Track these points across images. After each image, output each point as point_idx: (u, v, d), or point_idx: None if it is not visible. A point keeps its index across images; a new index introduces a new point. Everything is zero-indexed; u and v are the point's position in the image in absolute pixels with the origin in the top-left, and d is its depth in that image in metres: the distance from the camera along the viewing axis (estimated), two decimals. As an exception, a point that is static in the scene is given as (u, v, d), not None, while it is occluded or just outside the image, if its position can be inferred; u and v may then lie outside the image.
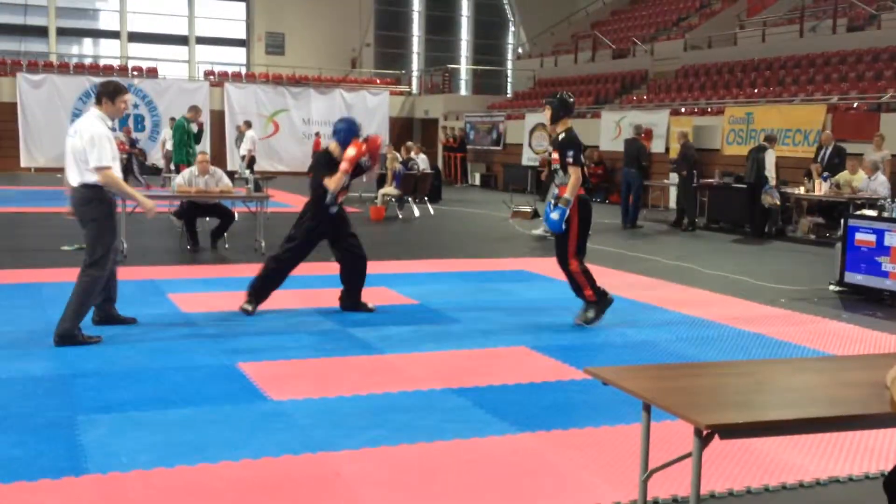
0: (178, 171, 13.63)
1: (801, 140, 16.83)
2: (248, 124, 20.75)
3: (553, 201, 7.27)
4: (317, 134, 27.85)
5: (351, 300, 7.88)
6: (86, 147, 6.32)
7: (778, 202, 14.35)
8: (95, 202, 6.43)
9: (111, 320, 6.94)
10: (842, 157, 14.64)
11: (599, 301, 7.34)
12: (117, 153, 6.55)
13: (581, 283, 7.27)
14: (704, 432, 2.89)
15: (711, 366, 4.10)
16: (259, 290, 7.65)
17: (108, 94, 6.53)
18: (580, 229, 7.22)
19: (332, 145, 7.74)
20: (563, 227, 7.13)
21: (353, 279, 7.86)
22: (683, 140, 16.36)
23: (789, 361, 4.55)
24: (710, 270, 10.76)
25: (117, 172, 6.50)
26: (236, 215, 11.78)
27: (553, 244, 7.55)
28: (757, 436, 3.12)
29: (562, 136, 7.23)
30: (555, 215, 7.20)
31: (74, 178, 6.44)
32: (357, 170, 7.69)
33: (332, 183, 7.46)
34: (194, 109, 14.61)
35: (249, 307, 7.56)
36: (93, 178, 6.37)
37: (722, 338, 7.21)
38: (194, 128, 14.77)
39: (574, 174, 7.04)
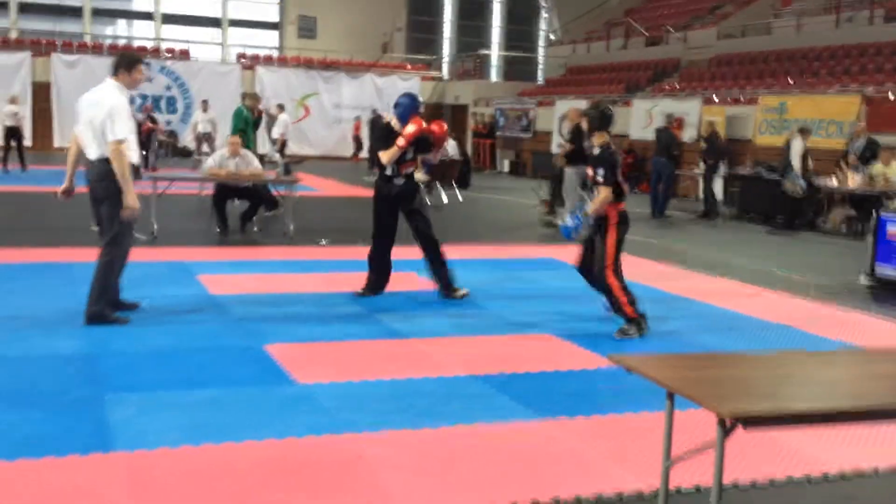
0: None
1: (834, 131, 16.63)
2: (281, 108, 20.82)
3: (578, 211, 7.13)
4: (356, 118, 27.80)
5: (439, 285, 7.93)
6: (106, 118, 6.15)
7: (800, 190, 14.18)
8: (112, 178, 6.23)
9: (114, 306, 6.67)
10: (874, 149, 14.45)
11: (640, 320, 6.80)
12: (134, 126, 6.42)
13: (621, 300, 6.74)
14: (728, 422, 2.89)
15: (737, 356, 4.08)
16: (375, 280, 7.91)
17: (126, 64, 6.37)
18: (618, 244, 6.81)
19: (393, 120, 7.76)
20: (572, 236, 7.01)
21: (427, 261, 7.91)
22: (711, 130, 16.31)
23: (816, 354, 4.50)
24: (739, 261, 10.68)
25: (132, 147, 6.33)
26: (279, 201, 11.86)
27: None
28: (781, 426, 3.11)
29: (596, 151, 6.89)
30: (568, 221, 7.08)
31: (93, 151, 6.29)
32: (422, 146, 7.72)
33: (385, 156, 7.56)
34: (253, 97, 14.49)
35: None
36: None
37: (749, 329, 7.17)
38: (253, 115, 14.68)
39: (604, 192, 6.67)
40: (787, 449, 4.43)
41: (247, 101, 13.95)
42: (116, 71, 6.37)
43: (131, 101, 24.04)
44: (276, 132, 20.12)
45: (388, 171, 7.66)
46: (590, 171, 6.90)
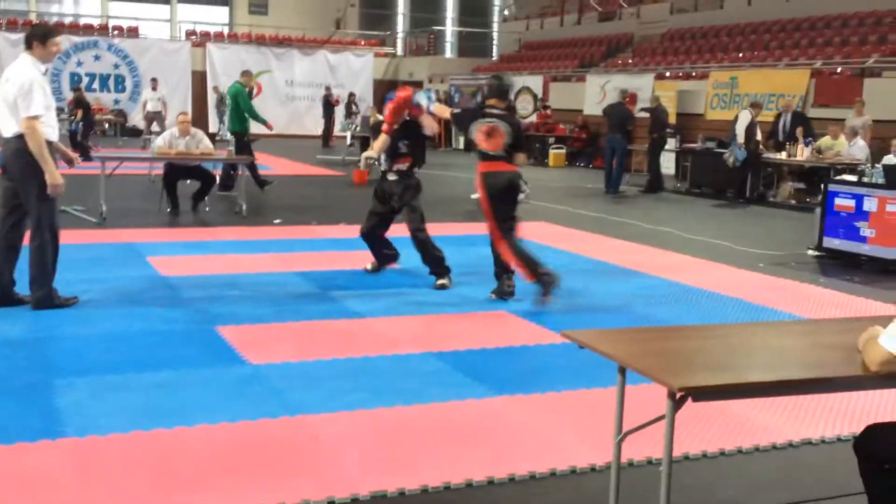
0: (235, 138, 13.50)
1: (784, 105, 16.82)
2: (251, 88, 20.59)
3: None
4: (327, 88, 27.32)
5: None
6: (17, 95, 5.89)
7: (736, 162, 14.36)
8: (30, 156, 5.94)
9: (7, 298, 6.30)
10: (804, 123, 14.79)
11: (542, 280, 6.85)
12: (51, 103, 6.12)
13: (513, 263, 6.96)
14: (678, 395, 2.91)
15: (687, 329, 4.12)
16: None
17: (39, 36, 6.12)
18: (492, 206, 6.97)
19: (381, 115, 8.03)
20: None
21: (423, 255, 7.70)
22: (656, 104, 16.44)
23: (765, 325, 4.57)
24: (690, 235, 10.80)
25: (50, 125, 6.05)
26: (217, 178, 11.71)
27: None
28: (729, 398, 3.14)
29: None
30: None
31: (9, 128, 6.00)
32: (413, 137, 7.59)
33: (373, 149, 7.85)
34: (247, 74, 14.43)
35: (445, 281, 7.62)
36: None
37: (700, 302, 7.26)
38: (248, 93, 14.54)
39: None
40: (737, 420, 4.50)
41: (241, 78, 13.93)
42: (30, 44, 6.11)
43: (77, 79, 23.41)
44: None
45: (382, 167, 7.64)
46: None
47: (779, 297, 7.50)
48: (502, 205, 6.98)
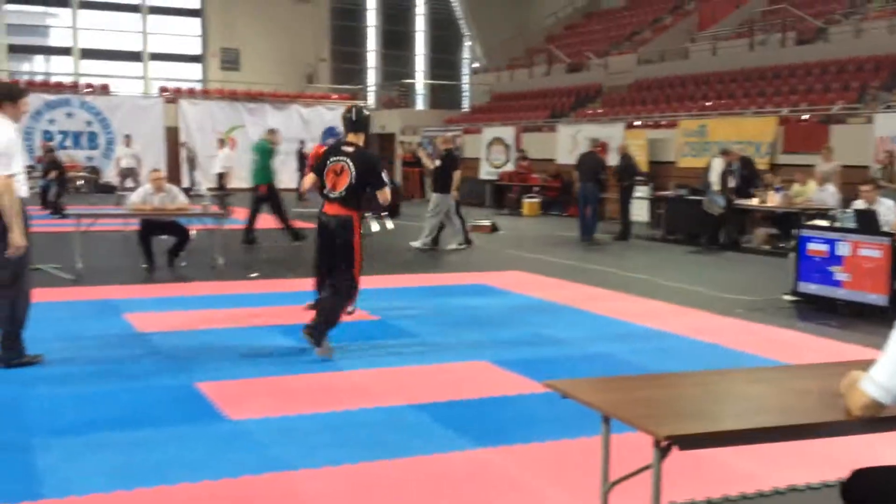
0: (257, 190, 14.25)
1: (753, 152, 17.08)
2: (222, 142, 20.89)
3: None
4: (301, 142, 27.61)
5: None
6: None
7: (718, 208, 14.51)
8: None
9: None
10: (750, 168, 15.16)
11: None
12: (23, 161, 6.11)
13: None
14: (663, 443, 2.92)
15: (669, 377, 4.13)
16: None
17: (9, 96, 6.14)
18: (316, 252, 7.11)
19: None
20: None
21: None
22: (623, 152, 16.62)
23: (745, 371, 4.59)
24: (666, 282, 10.87)
25: (21, 182, 6.04)
26: (192, 233, 11.67)
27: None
28: (717, 445, 3.15)
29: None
30: None
31: None
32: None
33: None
34: (274, 132, 15.18)
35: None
36: None
37: (679, 349, 7.28)
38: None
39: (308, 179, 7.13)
40: (722, 467, 4.50)
41: (267, 135, 14.91)
42: (0, 104, 6.10)
43: (49, 137, 23.42)
44: (218, 166, 20.06)
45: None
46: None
47: (757, 342, 7.55)
48: (321, 253, 6.92)
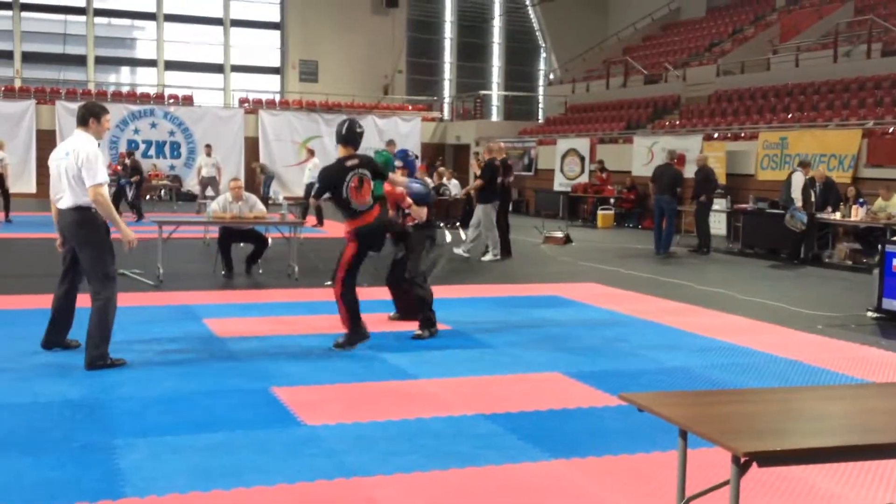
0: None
1: (836, 165, 16.69)
2: (312, 153, 21.17)
3: None
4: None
5: None
6: (82, 166, 6.26)
7: (801, 225, 14.18)
8: (91, 225, 6.40)
9: (58, 344, 6.87)
10: (833, 190, 14.88)
11: (353, 334, 7.28)
12: (105, 174, 6.46)
13: (340, 309, 7.29)
14: (742, 460, 2.87)
15: (748, 392, 4.06)
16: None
17: (95, 114, 6.48)
18: (355, 255, 7.24)
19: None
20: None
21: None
22: (702, 164, 16.35)
23: (826, 388, 4.49)
24: (745, 296, 10.67)
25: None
26: (270, 241, 11.87)
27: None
28: (797, 463, 3.09)
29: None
30: None
31: (68, 200, 6.37)
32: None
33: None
34: (393, 143, 15.52)
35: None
36: (87, 200, 6.33)
37: (758, 364, 7.14)
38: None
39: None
40: (800, 485, 4.39)
41: (389, 147, 14.95)
42: (86, 121, 6.46)
43: (135, 145, 24.20)
44: (307, 176, 20.35)
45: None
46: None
47: (838, 359, 7.36)
48: (365, 252, 7.29)
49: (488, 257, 13.97)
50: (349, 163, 7.14)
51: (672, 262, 14.65)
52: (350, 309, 7.21)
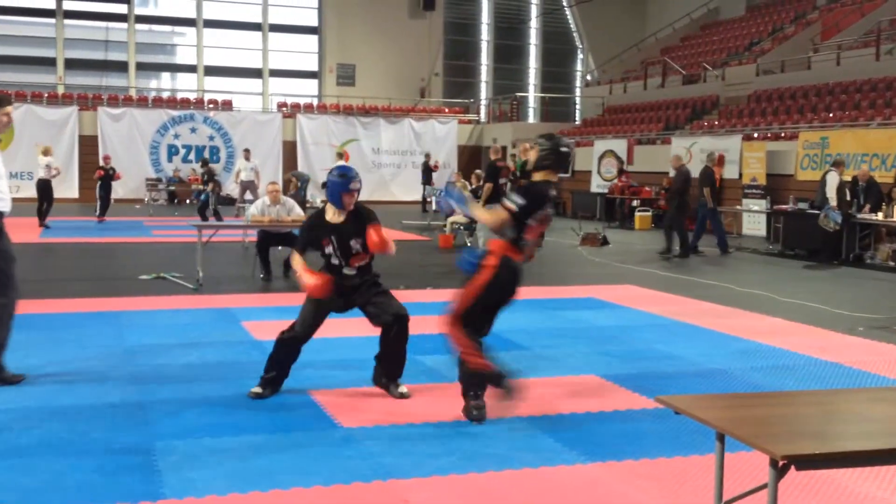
0: None
1: (878, 165, 16.46)
2: (340, 157, 21.46)
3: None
4: (426, 155, 28.29)
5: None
6: None
7: (834, 225, 13.97)
8: None
9: None
10: (876, 189, 14.82)
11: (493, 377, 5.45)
12: (2, 172, 5.90)
13: (460, 350, 5.48)
14: (780, 463, 2.85)
15: (787, 395, 4.02)
16: None
17: None
18: (485, 292, 5.45)
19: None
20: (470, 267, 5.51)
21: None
22: (679, 165, 15.62)
23: (867, 391, 4.43)
24: (784, 298, 10.55)
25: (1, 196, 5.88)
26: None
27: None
28: (835, 467, 3.05)
29: (528, 181, 5.68)
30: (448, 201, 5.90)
31: None
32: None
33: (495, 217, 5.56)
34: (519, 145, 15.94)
35: None
36: None
37: (797, 367, 7.06)
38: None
39: (495, 216, 5.42)
40: (840, 489, 4.34)
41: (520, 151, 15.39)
42: None
43: (174, 150, 24.51)
44: None
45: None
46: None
47: (880, 361, 7.25)
48: (499, 302, 5.65)
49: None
50: (552, 192, 5.59)
51: (711, 263, 14.51)
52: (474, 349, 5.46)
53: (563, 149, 5.61)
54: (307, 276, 5.85)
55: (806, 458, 2.84)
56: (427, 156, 28.01)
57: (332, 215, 6.11)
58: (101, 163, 22.02)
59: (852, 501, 4.22)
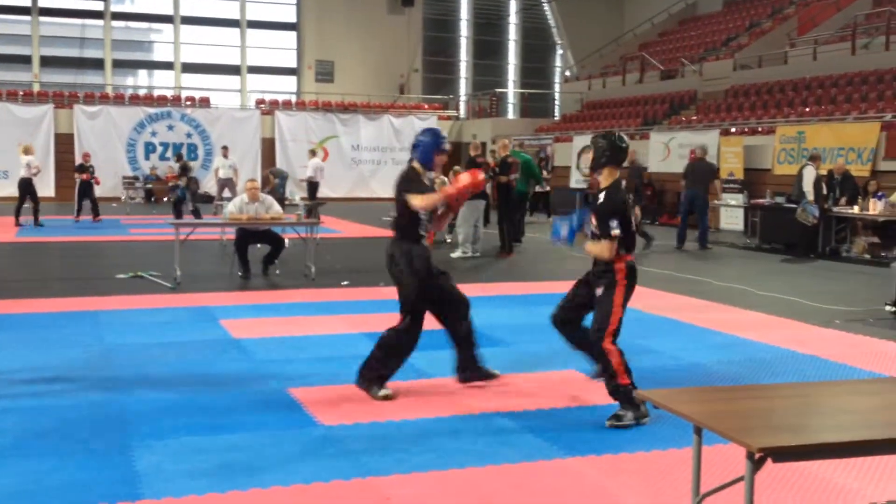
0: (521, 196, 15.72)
1: (854, 158, 16.57)
2: (313, 153, 21.48)
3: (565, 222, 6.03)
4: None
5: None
6: None
7: (812, 219, 14.08)
8: None
9: None
10: (851, 183, 15.01)
11: (636, 403, 5.31)
12: None
13: (619, 372, 5.39)
14: (757, 455, 2.87)
15: (764, 388, 4.04)
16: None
17: None
18: (625, 303, 5.57)
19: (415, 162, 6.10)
20: (564, 236, 5.89)
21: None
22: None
23: (843, 383, 4.47)
24: (762, 292, 10.61)
25: None
26: (287, 241, 11.90)
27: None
28: (810, 459, 3.07)
29: (602, 196, 5.56)
30: (564, 229, 5.95)
31: None
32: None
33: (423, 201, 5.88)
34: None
35: None
36: None
37: (775, 360, 7.11)
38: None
39: (609, 247, 5.45)
40: (818, 481, 4.37)
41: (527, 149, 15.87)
42: None
43: (151, 148, 24.18)
44: (306, 175, 20.58)
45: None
46: (593, 220, 5.56)
47: (856, 354, 7.31)
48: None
49: (457, 254, 13.87)
50: (623, 186, 5.66)
51: (690, 257, 14.58)
52: (626, 366, 5.44)
53: (623, 144, 5.66)
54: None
55: (782, 450, 2.86)
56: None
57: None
58: (81, 160, 21.67)
59: (829, 493, 4.26)
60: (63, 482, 4.28)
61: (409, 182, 5.96)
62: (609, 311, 5.52)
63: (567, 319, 5.97)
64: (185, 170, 19.94)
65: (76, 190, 20.22)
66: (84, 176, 19.97)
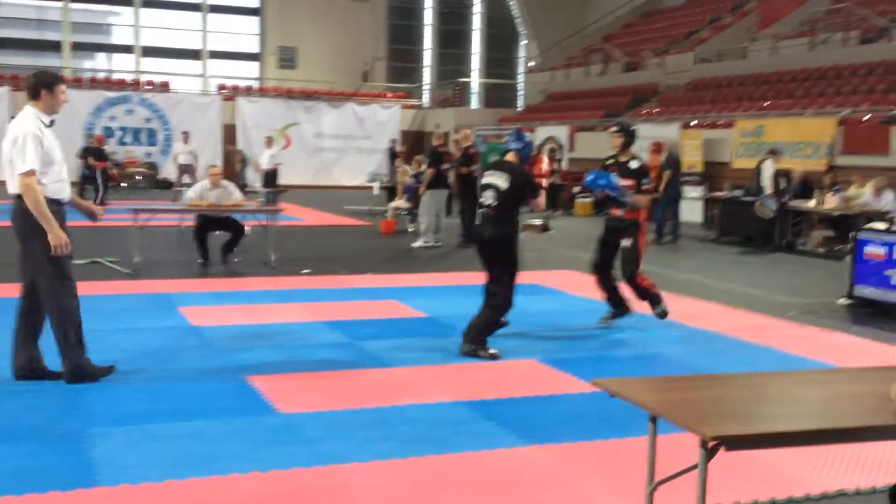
0: None
1: (811, 153, 16.82)
2: (270, 140, 21.31)
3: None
4: (392, 141, 28.07)
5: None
6: (11, 149, 5.39)
7: (769, 212, 14.28)
8: (28, 216, 5.43)
9: (37, 373, 5.76)
10: (805, 184, 15.25)
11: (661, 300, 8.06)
12: (54, 157, 5.51)
13: (652, 288, 7.98)
14: (710, 444, 2.91)
15: (718, 377, 4.11)
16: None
17: (47, 84, 5.54)
18: (645, 245, 7.96)
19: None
20: (604, 184, 7.84)
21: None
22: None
23: (796, 374, 4.54)
24: (719, 283, 10.75)
25: (55, 178, 5.52)
26: (247, 229, 11.83)
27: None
28: (762, 447, 3.13)
29: (634, 163, 7.91)
30: (616, 180, 7.79)
31: (11, 186, 5.48)
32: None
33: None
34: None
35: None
36: None
37: (730, 350, 7.22)
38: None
39: (647, 199, 7.97)
40: (770, 470, 4.46)
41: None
42: (37, 93, 5.54)
43: (110, 133, 23.61)
44: (265, 163, 20.45)
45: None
46: (627, 182, 7.75)
47: (809, 345, 7.44)
48: None
49: (419, 243, 13.88)
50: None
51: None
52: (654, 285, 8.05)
53: (633, 128, 8.44)
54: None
55: (735, 438, 2.91)
56: (393, 141, 27.75)
57: None
58: (96, 143, 20.98)
59: (782, 482, 4.34)
60: (17, 469, 4.23)
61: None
62: (636, 256, 7.82)
63: (603, 269, 8.07)
64: (91, 153, 19.40)
65: (98, 179, 19.59)
66: (102, 164, 19.53)
